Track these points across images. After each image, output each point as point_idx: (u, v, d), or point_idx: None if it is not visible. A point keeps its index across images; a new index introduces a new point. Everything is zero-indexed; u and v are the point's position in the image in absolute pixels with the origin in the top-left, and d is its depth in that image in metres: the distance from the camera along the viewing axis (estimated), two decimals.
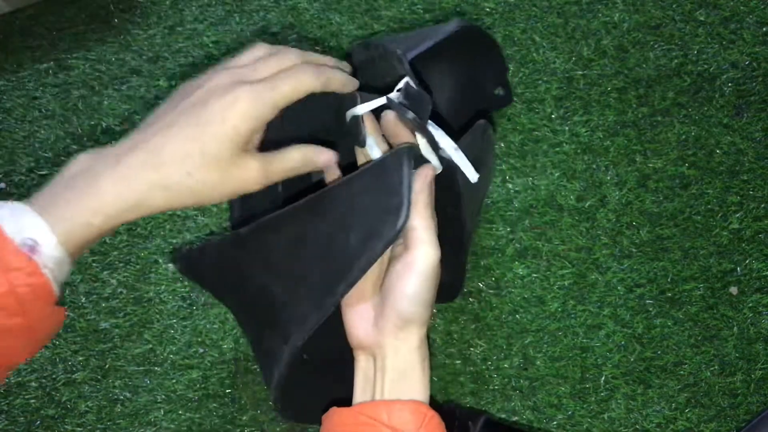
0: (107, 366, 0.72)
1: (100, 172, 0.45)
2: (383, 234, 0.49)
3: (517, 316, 0.73)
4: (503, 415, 0.70)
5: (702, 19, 0.81)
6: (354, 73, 0.56)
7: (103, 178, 0.45)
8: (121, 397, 0.72)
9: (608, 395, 0.70)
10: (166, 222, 0.76)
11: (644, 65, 0.79)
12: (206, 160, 0.46)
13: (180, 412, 0.71)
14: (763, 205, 0.75)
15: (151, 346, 0.73)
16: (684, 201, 0.75)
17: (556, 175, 0.76)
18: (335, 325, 0.54)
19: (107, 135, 0.80)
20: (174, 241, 0.75)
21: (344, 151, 0.56)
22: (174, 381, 0.72)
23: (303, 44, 0.82)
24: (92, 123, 0.80)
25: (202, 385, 0.72)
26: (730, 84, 0.78)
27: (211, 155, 0.46)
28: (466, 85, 0.71)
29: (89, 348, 0.73)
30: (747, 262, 0.73)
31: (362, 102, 0.54)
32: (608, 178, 0.76)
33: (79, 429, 0.71)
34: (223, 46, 0.83)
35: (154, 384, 0.72)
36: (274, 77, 0.48)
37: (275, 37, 0.83)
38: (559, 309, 0.73)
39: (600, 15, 0.81)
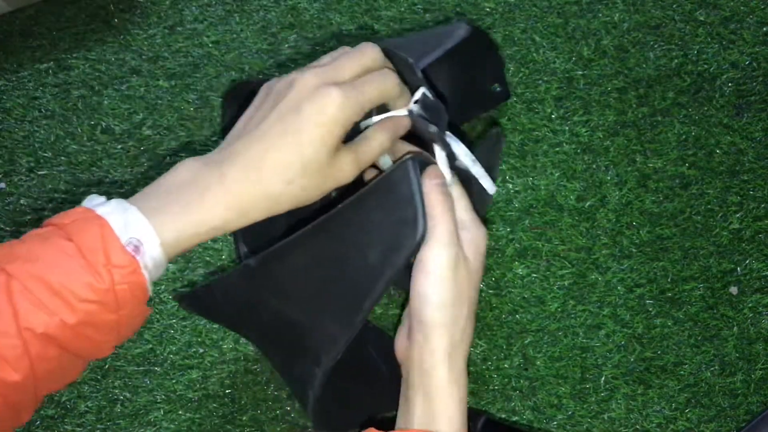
0: (107, 366, 0.72)
1: (207, 185, 0.46)
2: (403, 246, 0.49)
3: (517, 316, 0.73)
4: (503, 415, 0.70)
5: (702, 19, 0.81)
6: None
7: (210, 192, 0.46)
8: (121, 397, 0.72)
9: (608, 395, 0.70)
10: None
11: (644, 65, 0.79)
12: (305, 166, 0.47)
13: (180, 412, 0.71)
14: (763, 205, 0.75)
15: (151, 346, 0.73)
16: (684, 201, 0.75)
17: (556, 175, 0.76)
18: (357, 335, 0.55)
19: (107, 135, 0.80)
20: None
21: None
22: (174, 381, 0.72)
23: (303, 44, 0.82)
24: (92, 123, 0.80)
25: (202, 385, 0.72)
26: (730, 84, 0.78)
27: (309, 161, 0.47)
28: (464, 83, 0.71)
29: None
30: (747, 262, 0.73)
31: (378, 113, 0.54)
32: (608, 178, 0.76)
33: (78, 429, 0.71)
34: (223, 46, 0.83)
35: (154, 384, 0.72)
36: (362, 81, 0.49)
37: (275, 37, 0.83)
38: (559, 309, 0.73)
39: (600, 15, 0.81)
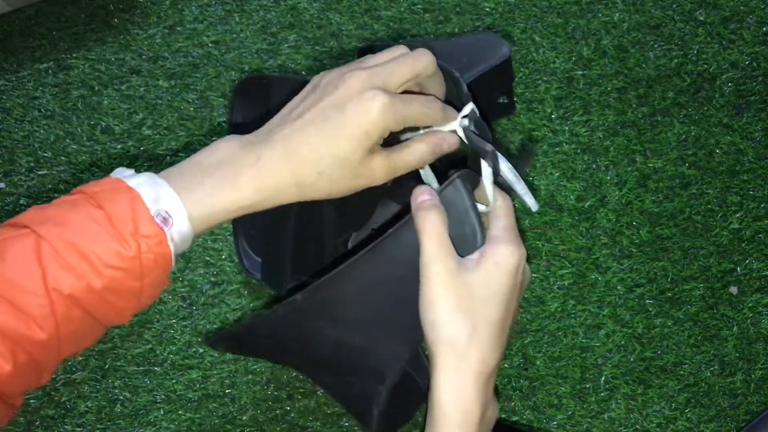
0: (107, 366, 0.72)
1: (243, 166, 0.48)
2: None
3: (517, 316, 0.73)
4: (503, 415, 0.70)
5: (702, 19, 0.81)
6: None
7: (244, 174, 0.47)
8: (121, 397, 0.72)
9: (608, 395, 0.70)
10: None
11: (644, 65, 0.79)
12: (338, 162, 0.48)
13: (180, 412, 0.71)
14: (763, 205, 0.75)
15: (151, 346, 0.73)
16: (684, 201, 0.75)
17: (556, 175, 0.76)
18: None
19: (107, 135, 0.80)
20: None
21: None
22: (174, 381, 0.72)
23: (303, 44, 0.82)
24: (92, 123, 0.80)
25: (202, 385, 0.72)
26: (730, 84, 0.78)
27: (343, 158, 0.48)
28: (476, 93, 0.71)
29: (89, 348, 0.73)
30: (747, 262, 0.73)
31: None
32: (608, 178, 0.76)
33: (78, 429, 0.71)
34: (222, 46, 0.83)
35: (154, 384, 0.72)
36: (411, 97, 0.50)
37: (275, 37, 0.83)
38: (559, 309, 0.73)
39: (600, 15, 0.81)
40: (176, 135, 0.80)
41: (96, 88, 0.82)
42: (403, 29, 0.82)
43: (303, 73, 0.81)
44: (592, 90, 0.79)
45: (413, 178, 0.57)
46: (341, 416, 0.70)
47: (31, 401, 0.71)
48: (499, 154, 0.52)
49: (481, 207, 0.52)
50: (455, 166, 0.54)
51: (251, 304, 0.74)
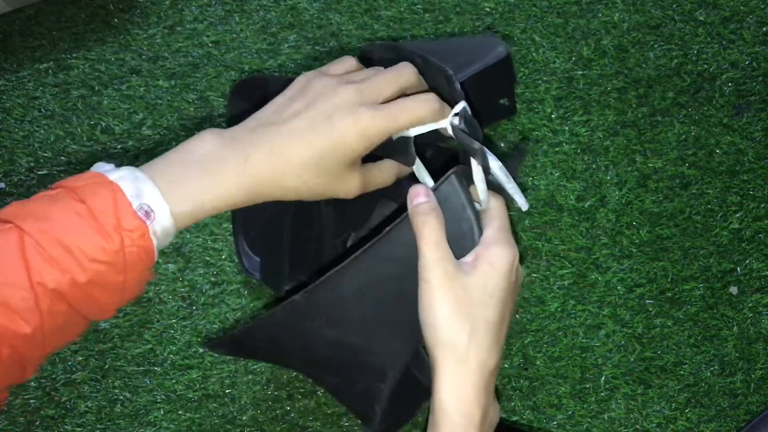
0: (107, 366, 0.72)
1: (228, 162, 0.48)
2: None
3: (516, 316, 0.73)
4: (503, 415, 0.70)
5: (702, 19, 0.81)
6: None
7: (232, 172, 0.48)
8: (121, 397, 0.72)
9: (608, 395, 0.70)
10: None
11: (644, 65, 0.79)
12: (319, 170, 0.50)
13: (180, 412, 0.71)
14: (763, 205, 0.75)
15: (151, 346, 0.73)
16: (684, 201, 0.75)
17: (556, 175, 0.76)
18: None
19: (107, 135, 0.80)
20: (175, 241, 0.75)
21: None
22: (174, 381, 0.72)
23: (303, 44, 0.82)
24: (92, 123, 0.80)
25: (202, 385, 0.72)
26: (730, 84, 0.78)
27: (324, 167, 0.50)
28: (477, 94, 0.71)
29: (89, 348, 0.73)
30: (747, 262, 0.73)
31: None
32: (608, 178, 0.76)
33: (78, 429, 0.71)
34: (222, 46, 0.83)
35: (154, 384, 0.72)
36: (396, 108, 0.51)
37: (275, 37, 0.83)
38: (559, 309, 0.73)
39: (600, 15, 0.81)
40: (176, 135, 0.80)
41: (96, 88, 0.82)
42: (403, 29, 0.82)
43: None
44: (592, 90, 0.79)
45: (412, 177, 0.57)
46: (341, 416, 0.70)
47: (31, 401, 0.71)
48: (488, 153, 0.53)
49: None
50: (451, 161, 0.55)
51: (251, 304, 0.74)
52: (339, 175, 0.51)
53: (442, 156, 0.59)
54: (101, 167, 0.48)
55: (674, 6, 0.81)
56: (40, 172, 0.79)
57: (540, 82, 0.79)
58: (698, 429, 0.69)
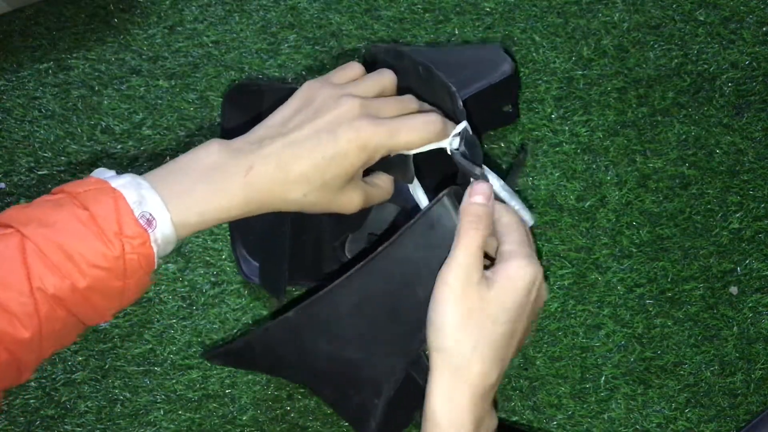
0: (107, 366, 0.72)
1: (232, 174, 0.49)
2: None
3: None
4: (503, 415, 0.70)
5: (702, 19, 0.81)
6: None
7: (235, 183, 0.49)
8: (121, 397, 0.72)
9: (608, 395, 0.70)
10: None
11: (644, 65, 0.79)
12: (322, 185, 0.50)
13: (180, 412, 0.71)
14: (763, 205, 0.75)
15: (151, 346, 0.73)
16: (684, 201, 0.75)
17: (556, 175, 0.76)
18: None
19: (107, 135, 0.80)
20: None
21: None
22: (174, 381, 0.72)
23: (303, 44, 0.82)
24: (92, 123, 0.80)
25: (202, 385, 0.72)
26: (730, 84, 0.78)
27: (327, 183, 0.50)
28: (481, 102, 0.71)
29: (89, 348, 0.73)
30: (747, 262, 0.73)
31: None
32: (608, 178, 0.76)
33: (78, 429, 0.71)
34: (222, 46, 0.83)
35: (154, 384, 0.72)
36: (399, 125, 0.51)
37: (275, 37, 0.83)
38: (559, 309, 0.73)
39: (600, 15, 0.81)
40: (176, 135, 0.80)
41: (96, 88, 0.82)
42: (403, 29, 0.82)
43: (303, 73, 0.81)
44: (592, 90, 0.79)
45: (408, 181, 0.57)
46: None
47: (31, 401, 0.71)
48: (490, 172, 0.53)
49: None
50: (449, 177, 0.55)
51: (251, 304, 0.74)
52: (340, 188, 0.51)
53: (440, 168, 0.58)
54: (103, 173, 0.48)
55: (674, 6, 0.81)
56: (40, 172, 0.79)
57: (540, 82, 0.79)
58: (698, 429, 0.69)
